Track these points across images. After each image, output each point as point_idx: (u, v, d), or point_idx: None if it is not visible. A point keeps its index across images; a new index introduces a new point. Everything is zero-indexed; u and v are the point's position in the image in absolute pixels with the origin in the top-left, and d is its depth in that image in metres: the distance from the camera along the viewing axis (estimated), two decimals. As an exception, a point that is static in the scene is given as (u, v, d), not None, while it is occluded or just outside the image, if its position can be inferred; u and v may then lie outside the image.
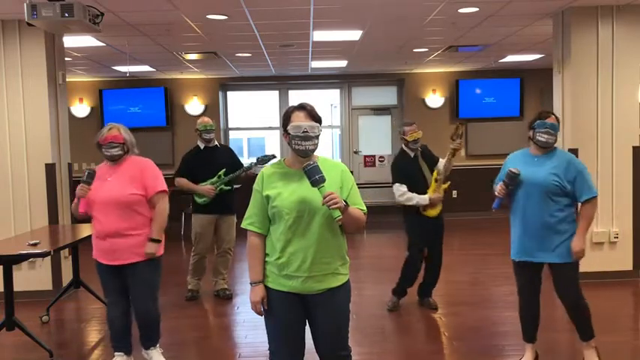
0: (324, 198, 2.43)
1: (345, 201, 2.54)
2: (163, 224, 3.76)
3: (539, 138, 3.56)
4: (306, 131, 2.55)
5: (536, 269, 3.64)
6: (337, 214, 2.45)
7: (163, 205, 3.75)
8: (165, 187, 3.79)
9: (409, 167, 4.95)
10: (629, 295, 5.61)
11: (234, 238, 5.68)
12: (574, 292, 3.61)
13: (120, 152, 3.71)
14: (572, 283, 3.60)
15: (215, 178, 5.45)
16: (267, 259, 2.64)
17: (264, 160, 5.40)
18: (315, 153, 2.63)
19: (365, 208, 2.70)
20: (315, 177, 2.46)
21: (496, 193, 3.63)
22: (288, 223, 2.54)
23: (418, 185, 4.89)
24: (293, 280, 2.57)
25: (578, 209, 3.61)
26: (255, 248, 2.65)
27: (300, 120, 2.58)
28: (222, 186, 5.45)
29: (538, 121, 3.57)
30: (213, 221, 5.56)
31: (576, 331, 3.75)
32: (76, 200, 3.73)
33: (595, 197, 3.55)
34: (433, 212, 4.93)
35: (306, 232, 2.55)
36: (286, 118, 2.64)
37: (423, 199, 4.83)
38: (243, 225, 2.68)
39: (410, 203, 4.85)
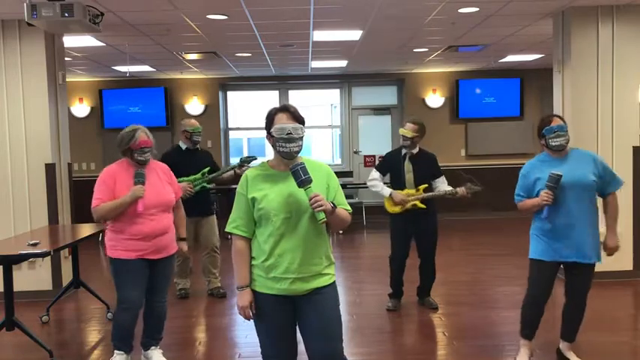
0: (310, 200, 2.43)
1: (332, 203, 2.54)
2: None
3: (553, 143, 3.57)
4: (290, 133, 2.53)
5: (556, 269, 3.66)
6: (322, 216, 2.45)
7: (183, 209, 4.16)
8: None
9: (392, 160, 5.09)
10: (629, 295, 5.61)
11: (217, 237, 5.76)
12: (586, 293, 3.68)
13: (149, 157, 3.81)
14: (588, 284, 3.67)
15: (199, 175, 5.49)
16: (253, 262, 2.61)
17: (247, 160, 5.55)
18: (299, 154, 2.61)
19: (350, 207, 2.70)
20: (302, 178, 2.45)
21: (540, 202, 3.52)
22: (275, 225, 2.52)
23: (394, 181, 5.04)
24: (281, 282, 2.54)
25: (604, 204, 3.65)
26: (240, 252, 2.62)
27: (283, 122, 2.56)
28: (205, 184, 5.49)
29: (545, 129, 3.58)
30: (192, 223, 5.58)
31: (564, 331, 3.80)
32: (120, 200, 3.62)
33: (622, 184, 3.64)
34: (391, 208, 5.00)
35: (293, 234, 2.53)
36: (269, 120, 2.61)
37: (385, 190, 4.99)
38: (228, 229, 2.64)
39: (373, 189, 5.10)
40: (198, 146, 5.69)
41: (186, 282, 5.82)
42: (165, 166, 4.02)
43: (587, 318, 4.66)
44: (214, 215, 5.78)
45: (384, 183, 5.10)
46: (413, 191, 4.93)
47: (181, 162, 5.47)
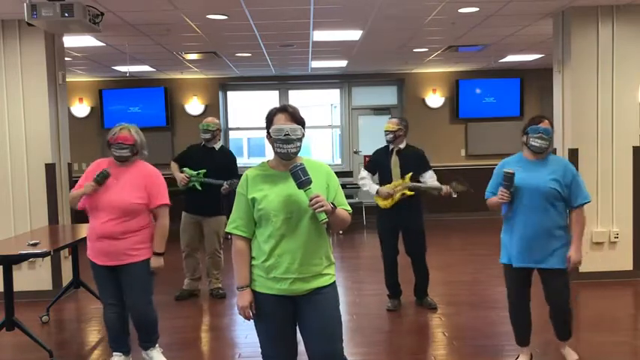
0: (310, 201, 2.43)
1: (332, 203, 2.53)
2: (165, 238, 3.80)
3: (533, 143, 3.54)
4: (288, 134, 2.53)
5: (528, 274, 3.65)
6: (323, 216, 2.45)
7: (165, 220, 3.77)
8: (167, 200, 3.78)
9: (379, 158, 5.16)
10: (629, 295, 5.61)
11: (220, 240, 5.70)
12: (565, 297, 3.63)
13: (128, 154, 3.69)
14: (564, 288, 3.62)
15: (194, 173, 5.51)
16: (253, 262, 2.61)
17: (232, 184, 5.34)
18: (299, 155, 2.61)
19: (350, 208, 2.70)
20: (301, 179, 2.44)
21: (498, 200, 3.56)
22: (276, 225, 2.52)
23: (382, 177, 5.08)
24: (281, 282, 2.54)
25: (570, 217, 3.63)
26: (241, 252, 2.61)
27: (281, 122, 2.56)
28: (196, 184, 5.50)
29: (531, 127, 3.55)
30: (195, 221, 5.63)
31: (555, 331, 3.79)
32: (75, 192, 3.71)
33: (588, 202, 3.59)
34: (382, 202, 5.02)
35: (294, 234, 2.53)
36: (268, 120, 2.61)
37: (372, 188, 5.05)
38: (228, 229, 2.64)
39: (363, 188, 5.18)
40: (215, 145, 5.68)
41: (190, 283, 5.79)
42: (153, 171, 3.79)
43: (587, 318, 4.69)
44: (221, 216, 5.60)
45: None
46: (400, 181, 4.96)
47: (193, 156, 5.61)
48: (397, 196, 4.93)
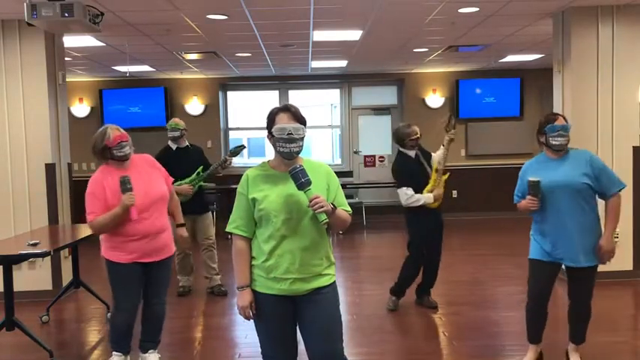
0: (310, 202, 2.43)
1: (332, 204, 2.53)
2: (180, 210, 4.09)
3: (554, 142, 3.51)
4: (291, 133, 2.53)
5: (556, 271, 3.61)
6: (323, 217, 2.45)
7: (175, 194, 4.05)
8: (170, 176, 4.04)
9: (412, 168, 4.99)
10: (629, 295, 5.61)
11: (213, 234, 5.85)
12: (590, 296, 3.62)
13: (130, 150, 3.68)
14: (591, 287, 3.61)
15: (194, 175, 5.60)
16: (253, 262, 2.61)
17: (235, 152, 5.70)
18: (300, 155, 2.61)
19: (350, 208, 2.70)
20: (301, 180, 2.44)
21: (529, 208, 3.48)
22: (276, 226, 2.52)
23: (421, 183, 4.94)
24: (281, 282, 2.54)
25: (605, 206, 3.59)
26: (241, 252, 2.61)
27: (284, 122, 2.56)
28: (202, 182, 5.64)
29: (548, 126, 3.52)
30: (189, 221, 5.62)
31: (572, 333, 3.76)
32: (108, 215, 3.52)
33: (623, 188, 3.56)
34: (432, 205, 4.95)
35: (294, 234, 2.53)
36: (270, 119, 2.61)
37: (428, 197, 4.87)
38: (228, 229, 2.63)
39: (418, 204, 4.87)
40: (187, 144, 5.75)
41: (188, 279, 5.88)
42: (147, 155, 3.90)
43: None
44: (209, 212, 5.89)
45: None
46: (434, 176, 4.95)
47: (173, 161, 5.51)
48: (442, 190, 4.98)
